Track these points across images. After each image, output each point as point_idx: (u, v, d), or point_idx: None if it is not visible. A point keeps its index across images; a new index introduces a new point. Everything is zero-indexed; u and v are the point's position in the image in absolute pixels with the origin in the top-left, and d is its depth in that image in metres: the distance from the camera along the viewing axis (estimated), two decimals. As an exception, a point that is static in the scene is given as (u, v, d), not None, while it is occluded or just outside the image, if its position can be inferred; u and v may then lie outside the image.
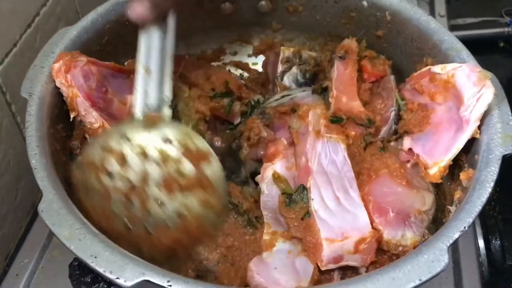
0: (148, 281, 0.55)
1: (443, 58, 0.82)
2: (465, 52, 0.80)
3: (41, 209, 0.61)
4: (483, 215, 0.95)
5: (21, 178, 0.96)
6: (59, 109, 0.77)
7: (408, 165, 0.79)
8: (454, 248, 0.89)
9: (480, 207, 0.63)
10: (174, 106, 0.77)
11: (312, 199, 0.72)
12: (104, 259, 0.56)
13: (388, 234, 0.72)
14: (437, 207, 0.79)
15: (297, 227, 0.71)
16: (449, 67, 0.77)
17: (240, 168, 0.81)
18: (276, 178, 0.77)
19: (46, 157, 0.67)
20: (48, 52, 0.78)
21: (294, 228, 0.71)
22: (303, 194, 0.73)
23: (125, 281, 0.55)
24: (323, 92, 0.89)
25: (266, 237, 0.72)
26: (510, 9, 1.40)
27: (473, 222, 0.62)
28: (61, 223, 0.59)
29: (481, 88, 0.71)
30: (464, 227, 0.61)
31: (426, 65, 0.85)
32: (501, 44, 1.35)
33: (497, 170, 0.66)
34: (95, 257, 0.57)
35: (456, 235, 0.60)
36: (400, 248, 0.71)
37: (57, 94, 0.76)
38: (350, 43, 0.91)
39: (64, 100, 0.76)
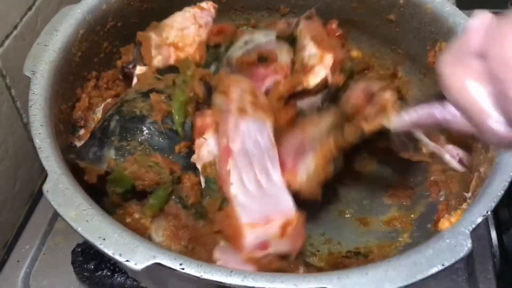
0: (159, 264, 0.53)
1: (459, 42, 0.80)
2: (481, 36, 0.78)
3: (46, 189, 0.58)
4: (496, 206, 0.93)
5: (20, 165, 0.94)
6: (64, 89, 0.74)
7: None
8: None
9: (502, 191, 0.61)
10: (173, 80, 0.76)
11: (232, 183, 0.66)
12: (113, 241, 0.54)
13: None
14: (452, 196, 0.78)
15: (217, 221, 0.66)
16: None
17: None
18: (204, 170, 0.71)
19: (50, 137, 0.64)
20: (51, 30, 0.76)
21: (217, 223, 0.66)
22: (213, 185, 0.69)
23: (135, 264, 0.52)
24: (288, 39, 0.85)
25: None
26: (517, 1, 1.39)
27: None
28: (67, 203, 0.57)
29: None
30: (487, 212, 0.59)
31: (440, 50, 0.83)
32: (508, 36, 1.33)
33: (519, 153, 0.64)
34: (104, 239, 0.54)
35: (479, 220, 0.58)
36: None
37: (62, 73, 0.74)
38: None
39: (69, 79, 0.74)
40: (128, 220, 0.68)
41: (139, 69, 0.82)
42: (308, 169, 0.71)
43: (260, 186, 0.67)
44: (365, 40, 0.97)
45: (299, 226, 0.64)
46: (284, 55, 0.83)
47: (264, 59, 0.82)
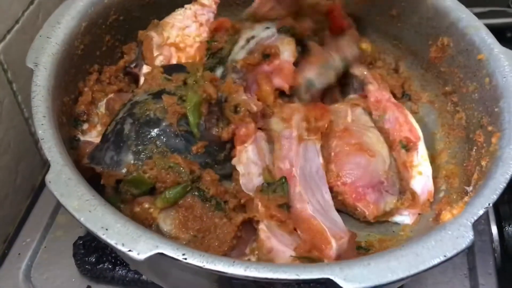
0: (162, 254, 0.53)
1: (460, 37, 0.80)
2: (483, 31, 0.78)
3: (48, 179, 0.58)
4: (496, 201, 0.93)
5: (21, 159, 0.94)
6: (66, 82, 0.74)
7: (349, 117, 0.82)
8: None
9: (504, 184, 0.61)
10: (183, 80, 0.76)
11: (308, 202, 0.71)
12: (116, 231, 0.54)
13: (373, 211, 0.76)
14: (454, 189, 0.78)
15: (274, 208, 0.70)
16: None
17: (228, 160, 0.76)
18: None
19: (53, 128, 0.64)
20: (54, 22, 0.76)
21: (273, 208, 0.70)
22: (284, 185, 0.72)
23: (138, 254, 0.52)
24: (288, 30, 0.86)
25: (262, 209, 0.70)
26: (518, 0, 1.39)
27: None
28: (70, 194, 0.57)
29: None
30: (489, 204, 0.59)
31: (442, 45, 0.83)
32: (508, 35, 1.33)
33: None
34: (106, 229, 0.54)
35: (481, 212, 0.58)
36: (387, 214, 0.77)
37: (64, 65, 0.74)
38: None
39: (71, 72, 0.73)
40: (137, 209, 0.68)
41: (146, 68, 0.83)
42: (387, 207, 0.78)
43: (320, 204, 0.73)
44: (366, 35, 0.97)
45: (352, 243, 0.72)
46: (286, 48, 0.83)
47: (267, 55, 0.83)
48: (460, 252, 0.54)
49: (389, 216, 0.78)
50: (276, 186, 0.72)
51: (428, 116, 0.91)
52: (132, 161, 0.68)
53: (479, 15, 0.82)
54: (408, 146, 0.83)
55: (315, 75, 0.85)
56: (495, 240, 0.89)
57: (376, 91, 0.88)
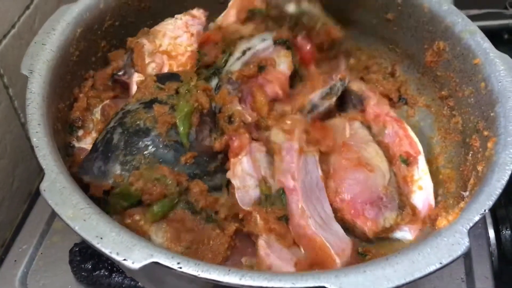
0: (157, 263, 0.52)
1: (456, 41, 0.80)
2: (479, 35, 0.78)
3: (43, 188, 0.58)
4: (493, 205, 0.93)
5: (18, 164, 0.94)
6: (61, 88, 0.74)
7: (347, 131, 0.82)
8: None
9: (500, 190, 0.61)
10: (176, 89, 0.75)
11: (309, 217, 0.70)
12: (111, 240, 0.54)
13: (372, 228, 0.74)
14: (450, 194, 0.78)
15: (273, 222, 0.69)
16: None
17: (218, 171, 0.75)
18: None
19: (48, 135, 0.64)
20: (49, 29, 0.75)
21: (271, 222, 0.69)
22: (283, 197, 0.72)
23: (133, 263, 0.52)
24: (285, 42, 0.86)
25: (260, 222, 0.69)
26: (515, 1, 1.38)
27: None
28: (64, 202, 0.57)
29: None
30: (484, 210, 0.59)
31: (438, 49, 0.83)
32: (506, 36, 1.33)
33: (517, 152, 0.64)
34: (101, 238, 0.54)
35: (477, 218, 0.58)
36: (387, 230, 0.75)
37: (59, 72, 0.74)
38: None
39: (66, 78, 0.73)
40: (128, 221, 0.67)
41: (138, 76, 0.82)
42: (386, 223, 0.76)
43: (321, 217, 0.72)
44: (363, 39, 0.97)
45: (353, 252, 0.72)
46: (282, 60, 0.84)
47: (262, 67, 0.83)
48: (455, 259, 0.54)
49: (389, 233, 0.76)
50: (274, 198, 0.72)
51: (424, 120, 0.91)
52: (119, 172, 0.68)
53: (476, 17, 0.82)
54: (408, 161, 0.82)
55: (319, 100, 0.85)
56: (492, 244, 0.89)
57: (375, 106, 0.87)
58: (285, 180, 0.73)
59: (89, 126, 0.79)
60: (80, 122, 0.78)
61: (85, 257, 0.81)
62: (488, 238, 0.89)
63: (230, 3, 0.91)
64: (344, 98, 0.88)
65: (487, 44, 0.77)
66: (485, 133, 0.71)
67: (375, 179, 0.77)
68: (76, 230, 0.55)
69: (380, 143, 0.83)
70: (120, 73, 0.84)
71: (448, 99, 0.84)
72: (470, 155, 0.75)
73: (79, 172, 0.69)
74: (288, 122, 0.79)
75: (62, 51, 0.75)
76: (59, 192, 0.58)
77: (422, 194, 0.79)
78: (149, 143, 0.70)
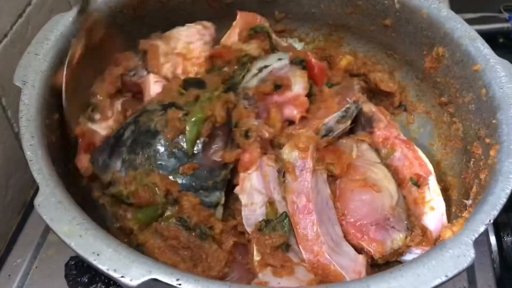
0: (155, 279, 0.51)
1: (456, 47, 0.79)
2: (479, 41, 0.77)
3: (37, 203, 0.56)
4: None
5: (11, 175, 0.93)
6: (55, 98, 0.73)
7: (354, 152, 0.81)
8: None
9: (504, 199, 0.60)
10: (196, 96, 0.76)
11: (324, 243, 0.69)
12: (108, 256, 0.53)
13: (378, 250, 0.72)
14: (452, 202, 0.77)
15: (269, 254, 0.67)
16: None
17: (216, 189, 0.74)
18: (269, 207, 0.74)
19: (42, 148, 0.63)
20: (42, 39, 0.75)
21: (267, 256, 0.67)
22: (285, 222, 0.70)
23: (131, 280, 0.51)
24: (301, 62, 0.87)
25: (257, 258, 0.68)
26: (509, 5, 1.39)
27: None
28: (60, 218, 0.55)
29: None
30: (489, 220, 0.58)
31: (437, 55, 0.83)
32: (501, 40, 1.34)
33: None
34: (98, 255, 0.53)
35: (482, 229, 0.57)
36: (396, 253, 0.73)
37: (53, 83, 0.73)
38: None
39: (59, 89, 0.72)
40: (121, 212, 0.69)
41: (154, 77, 0.82)
42: (394, 245, 0.73)
43: (333, 240, 0.71)
44: (361, 45, 0.97)
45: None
46: (298, 81, 0.84)
47: (278, 86, 0.84)
48: (461, 272, 0.54)
49: (399, 256, 0.74)
50: (276, 223, 0.70)
51: (424, 126, 0.90)
52: (118, 168, 0.69)
53: (471, 21, 0.81)
54: (419, 182, 0.80)
55: (334, 123, 0.84)
56: (493, 251, 0.88)
57: (384, 129, 0.86)
58: (299, 201, 0.72)
59: (108, 113, 0.80)
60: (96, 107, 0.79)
61: (81, 270, 0.79)
62: (490, 245, 0.88)
63: (233, 23, 0.92)
64: (354, 119, 0.87)
65: (487, 50, 0.76)
66: (487, 140, 0.70)
67: (382, 199, 0.76)
68: (72, 247, 0.54)
69: (388, 166, 0.82)
70: (131, 73, 0.84)
71: (448, 106, 0.84)
72: (471, 162, 0.75)
73: (90, 161, 0.72)
74: (303, 139, 0.76)
75: (55, 61, 0.74)
76: (54, 207, 0.56)
77: (435, 215, 0.77)
78: (153, 145, 0.70)
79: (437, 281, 0.52)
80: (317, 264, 0.68)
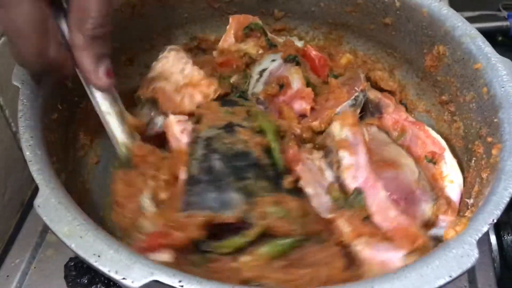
0: (157, 281, 0.51)
1: (456, 45, 0.79)
2: (480, 39, 0.77)
3: (37, 204, 0.56)
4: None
5: (9, 174, 0.92)
6: (54, 98, 0.72)
7: (366, 136, 0.79)
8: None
9: (507, 199, 0.59)
10: (247, 112, 0.77)
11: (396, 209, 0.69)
12: (109, 257, 0.52)
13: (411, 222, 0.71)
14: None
15: (361, 225, 0.67)
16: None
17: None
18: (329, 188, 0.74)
19: (41, 148, 0.62)
20: (41, 37, 0.73)
21: (359, 226, 0.67)
22: (359, 198, 0.70)
23: (132, 282, 0.50)
24: (294, 59, 0.87)
25: (347, 229, 0.66)
26: (508, 3, 1.39)
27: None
28: (60, 219, 0.55)
29: None
30: (493, 220, 0.57)
31: (438, 53, 0.82)
32: (499, 38, 1.34)
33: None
34: (99, 256, 0.52)
35: (485, 229, 0.56)
36: (428, 224, 0.73)
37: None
38: None
39: (60, 88, 0.72)
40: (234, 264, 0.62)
41: (174, 117, 0.77)
42: (425, 216, 0.73)
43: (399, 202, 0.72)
44: (360, 44, 0.96)
45: None
46: (294, 77, 0.85)
47: (282, 85, 0.84)
48: (465, 272, 0.53)
49: (428, 229, 0.73)
50: (352, 200, 0.70)
51: (424, 125, 0.90)
52: (237, 200, 0.63)
53: (470, 19, 0.81)
54: (434, 159, 0.80)
55: None
56: (494, 250, 0.88)
57: (393, 113, 0.86)
58: (360, 174, 0.72)
59: None
60: None
61: (81, 271, 0.79)
62: (490, 244, 0.88)
63: (227, 27, 0.92)
64: (362, 108, 0.86)
65: (488, 48, 0.76)
66: (489, 139, 0.70)
67: (405, 175, 0.75)
68: (73, 248, 0.53)
69: (401, 146, 0.82)
70: (150, 127, 0.81)
71: (448, 104, 0.83)
72: (473, 161, 0.74)
73: (187, 209, 0.63)
74: (349, 115, 0.78)
75: (54, 60, 0.73)
76: (54, 208, 0.56)
77: (455, 187, 0.77)
78: (252, 166, 0.67)
79: (441, 282, 0.52)
80: (396, 231, 0.67)
